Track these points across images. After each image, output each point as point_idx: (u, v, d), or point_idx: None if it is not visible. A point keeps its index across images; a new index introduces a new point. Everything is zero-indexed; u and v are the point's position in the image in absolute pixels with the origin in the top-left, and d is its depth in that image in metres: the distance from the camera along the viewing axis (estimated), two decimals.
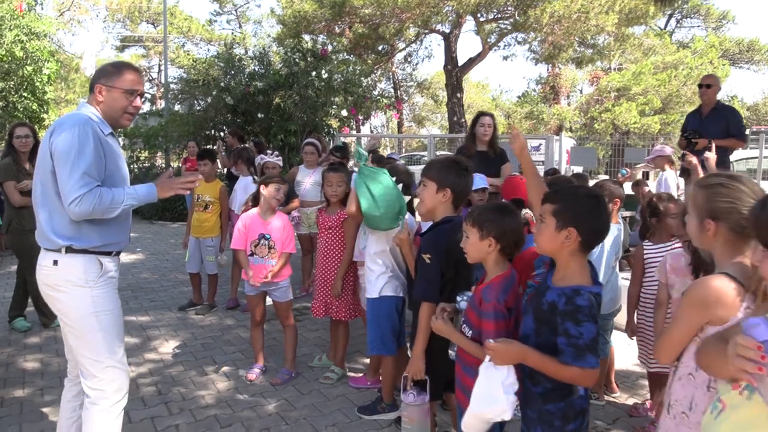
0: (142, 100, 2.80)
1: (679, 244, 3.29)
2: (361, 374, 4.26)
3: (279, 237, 4.06)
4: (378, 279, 3.50)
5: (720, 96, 6.10)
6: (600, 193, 2.12)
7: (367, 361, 4.58)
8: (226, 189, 5.88)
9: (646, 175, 8.17)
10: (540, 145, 21.48)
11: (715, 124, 5.80)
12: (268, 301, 4.28)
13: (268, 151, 6.07)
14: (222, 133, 13.30)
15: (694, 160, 3.92)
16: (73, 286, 2.58)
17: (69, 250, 2.56)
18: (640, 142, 24.99)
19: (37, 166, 2.63)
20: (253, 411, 3.74)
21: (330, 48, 12.60)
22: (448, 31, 22.28)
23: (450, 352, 2.50)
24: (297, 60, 11.48)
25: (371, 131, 25.60)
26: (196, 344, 4.96)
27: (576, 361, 1.85)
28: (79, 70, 26.16)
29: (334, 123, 12.75)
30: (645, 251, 3.51)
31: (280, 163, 5.92)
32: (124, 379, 2.74)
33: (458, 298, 2.41)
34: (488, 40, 21.39)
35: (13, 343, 4.94)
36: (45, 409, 3.73)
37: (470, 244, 2.24)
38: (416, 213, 3.67)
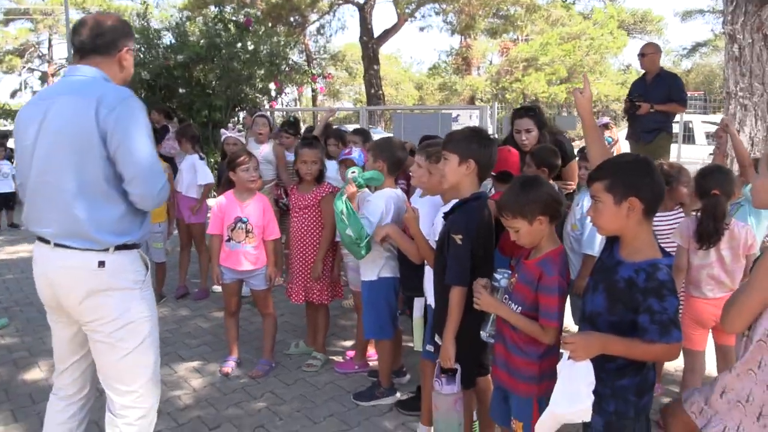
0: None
1: (682, 213, 3.32)
2: (343, 358, 4.08)
3: (258, 222, 3.75)
4: (376, 260, 3.31)
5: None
6: (646, 156, 2.04)
7: (346, 343, 4.40)
8: (171, 170, 5.42)
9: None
10: (458, 116, 21.77)
11: (657, 89, 6.00)
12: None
13: (230, 125, 5.63)
14: None
15: (724, 135, 3.86)
16: (122, 289, 2.19)
17: (120, 247, 2.18)
18: (548, 111, 25.96)
19: (63, 152, 2.08)
20: (240, 408, 3.47)
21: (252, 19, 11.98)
22: (362, 1, 21.93)
23: (482, 333, 2.37)
24: (219, 31, 10.82)
25: (283, 106, 24.94)
26: None
27: (662, 337, 1.78)
28: None
29: (257, 96, 12.21)
30: None
31: (242, 138, 5.51)
32: (159, 394, 2.42)
33: (497, 276, 2.28)
34: (405, 10, 21.27)
35: None
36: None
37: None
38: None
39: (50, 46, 31.93)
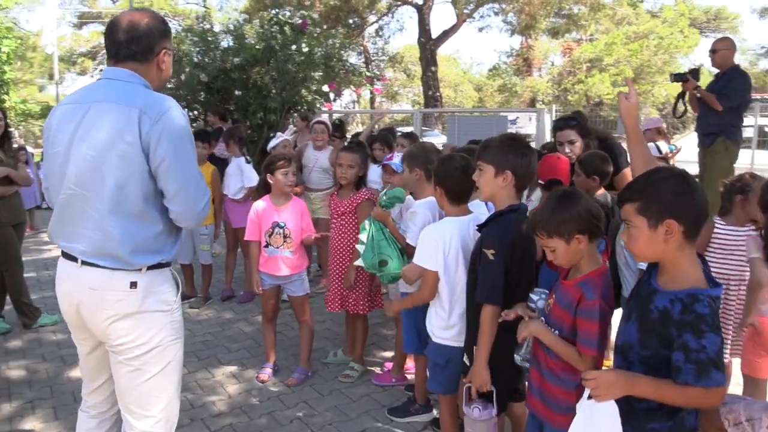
0: None
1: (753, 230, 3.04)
2: (381, 370, 3.96)
3: (296, 226, 3.69)
4: None
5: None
6: (682, 170, 1.75)
7: (386, 354, 4.29)
8: (218, 173, 5.45)
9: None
10: (516, 118, 21.29)
11: (719, 84, 5.65)
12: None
13: (289, 128, 5.62)
14: (196, 113, 12.71)
15: None
16: (151, 311, 2.06)
17: (153, 266, 2.06)
18: (612, 113, 25.09)
19: (97, 165, 1.95)
20: (272, 417, 3.41)
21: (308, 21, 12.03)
22: (421, 2, 21.80)
23: (516, 357, 2.20)
24: (275, 33, 10.91)
25: (342, 108, 25.05)
26: (196, 342, 4.58)
27: (699, 380, 1.54)
28: (37, 48, 24.83)
29: (311, 98, 12.25)
30: (716, 228, 3.23)
31: (293, 142, 5.49)
32: (177, 417, 2.28)
33: (534, 297, 2.11)
34: (463, 11, 20.99)
35: None
36: (37, 426, 3.34)
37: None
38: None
39: None
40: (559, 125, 3.85)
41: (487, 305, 2.28)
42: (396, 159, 3.52)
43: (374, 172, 4.43)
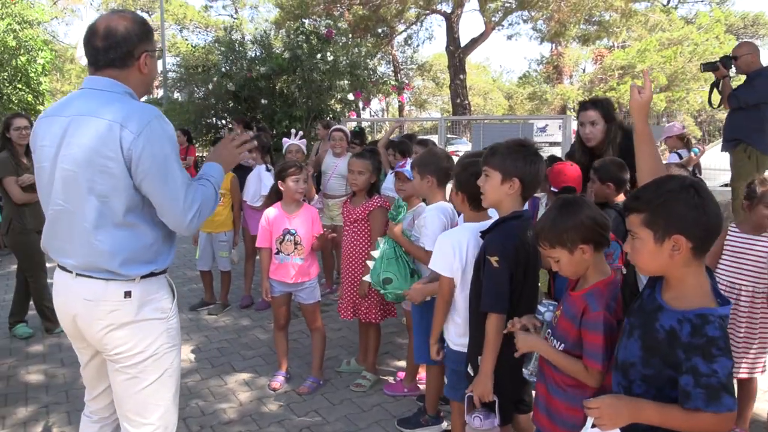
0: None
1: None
2: (394, 379, 3.90)
3: (306, 233, 3.67)
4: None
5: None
6: (697, 181, 1.64)
7: (400, 363, 4.22)
8: (237, 180, 5.48)
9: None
10: (546, 126, 21.06)
11: (744, 88, 5.39)
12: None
13: (293, 131, 5.63)
14: (224, 121, 12.88)
15: None
16: (147, 320, 2.05)
17: (144, 276, 2.04)
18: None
19: (83, 179, 1.92)
20: (281, 426, 3.38)
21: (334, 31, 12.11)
22: (449, 10, 21.77)
23: (524, 371, 2.13)
24: (301, 43, 11.01)
25: (371, 116, 25.15)
26: (211, 349, 4.59)
27: (709, 405, 1.45)
28: (74, 60, 25.56)
29: (338, 107, 12.31)
30: (729, 234, 3.10)
31: (304, 148, 5.50)
32: (175, 425, 2.26)
33: (541, 308, 2.04)
34: (492, 19, 20.88)
35: (15, 353, 4.57)
36: (53, 429, 3.37)
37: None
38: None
39: None
40: (584, 106, 3.77)
41: (493, 314, 2.21)
42: (408, 166, 3.48)
43: (390, 180, 4.40)
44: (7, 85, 11.06)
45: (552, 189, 3.35)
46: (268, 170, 5.47)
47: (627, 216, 1.65)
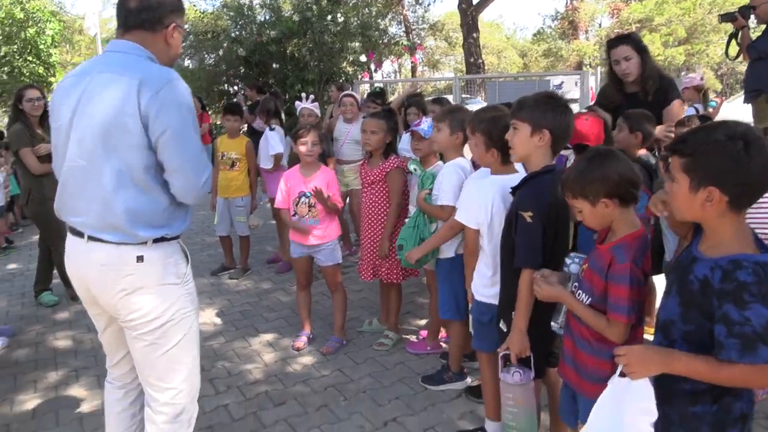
0: None
1: None
2: (416, 338, 3.92)
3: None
4: (454, 237, 3.10)
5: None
6: (751, 132, 1.49)
7: (422, 322, 4.24)
8: (252, 144, 5.45)
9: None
10: (562, 83, 20.64)
11: (763, 36, 5.15)
12: None
13: (303, 96, 5.57)
14: (235, 87, 12.80)
15: None
16: (163, 285, 2.03)
17: (158, 240, 2.01)
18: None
19: (100, 138, 1.90)
20: (307, 385, 3.42)
21: None
22: None
23: (553, 324, 2.11)
24: (310, 5, 10.82)
25: (383, 78, 24.79)
26: (234, 312, 4.64)
27: (743, 356, 1.40)
28: (82, 31, 25.41)
29: (351, 69, 12.16)
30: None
31: (317, 111, 5.44)
32: (198, 388, 2.27)
33: (567, 261, 2.01)
34: None
35: (42, 320, 4.65)
36: (81, 393, 3.45)
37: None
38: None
39: None
40: (612, 43, 3.71)
41: (526, 270, 2.19)
42: (423, 125, 3.41)
43: (406, 140, 4.33)
44: (18, 57, 11.06)
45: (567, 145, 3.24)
46: (271, 129, 5.42)
47: (670, 157, 1.59)
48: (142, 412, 2.28)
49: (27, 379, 3.65)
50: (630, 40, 3.66)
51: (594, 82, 9.26)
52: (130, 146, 1.91)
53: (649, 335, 2.24)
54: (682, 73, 29.26)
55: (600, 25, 34.66)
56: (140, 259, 1.98)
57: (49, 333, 4.37)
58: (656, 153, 3.66)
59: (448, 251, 3.17)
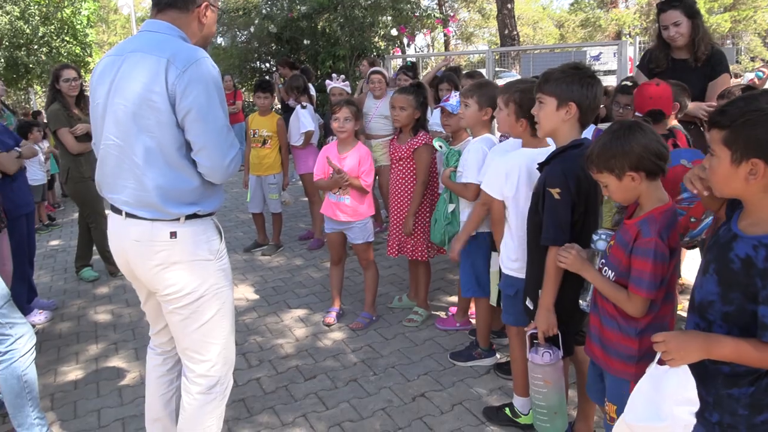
0: None
1: None
2: (446, 314, 3.92)
3: (353, 173, 3.64)
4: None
5: None
6: None
7: (451, 298, 4.24)
8: (284, 122, 5.47)
9: None
10: (600, 54, 20.05)
11: None
12: None
13: (334, 76, 5.56)
14: (268, 64, 12.82)
15: None
16: (196, 260, 2.07)
17: (192, 216, 2.06)
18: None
19: (131, 116, 1.95)
20: (337, 360, 3.47)
21: None
22: None
23: (581, 302, 2.08)
24: None
25: (416, 52, 24.43)
26: (267, 288, 4.72)
27: None
28: (117, 10, 25.77)
29: (382, 44, 12.03)
30: None
31: (347, 89, 5.42)
32: (233, 361, 2.33)
33: (594, 237, 1.97)
34: None
35: (83, 294, 4.82)
36: (120, 365, 3.57)
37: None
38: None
39: None
40: (662, 7, 3.60)
41: (553, 248, 2.16)
42: (452, 100, 3.37)
43: (437, 115, 4.29)
44: (55, 38, 11.28)
45: (636, 114, 3.14)
46: (303, 107, 5.44)
47: (710, 130, 1.52)
48: (179, 379, 2.38)
49: (69, 351, 3.80)
50: (681, 4, 3.53)
51: (633, 52, 8.97)
52: (159, 124, 1.94)
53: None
54: (728, 42, 28.13)
55: None
56: (173, 235, 2.03)
57: (90, 307, 4.53)
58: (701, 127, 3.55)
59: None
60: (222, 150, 2.01)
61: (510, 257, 2.59)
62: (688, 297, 1.68)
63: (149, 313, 2.40)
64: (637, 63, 4.29)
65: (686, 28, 3.54)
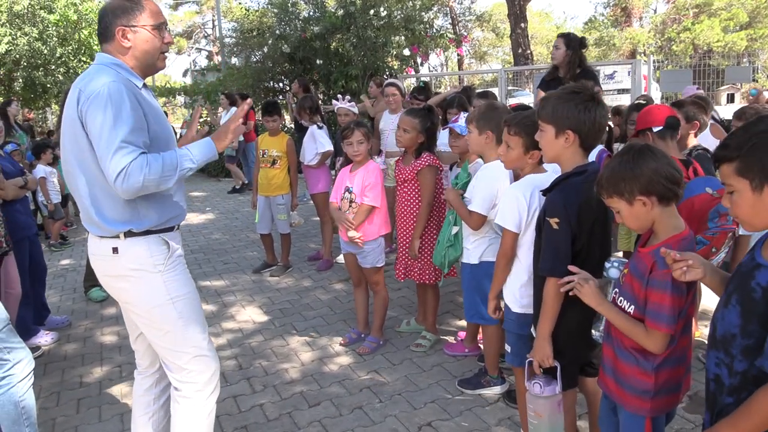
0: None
1: None
2: (455, 339, 3.84)
3: (360, 192, 3.60)
4: (478, 243, 3.01)
5: None
6: None
7: (460, 322, 4.16)
8: (293, 142, 5.45)
9: None
10: (614, 73, 19.99)
11: None
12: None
13: (339, 96, 5.56)
14: (281, 84, 12.91)
15: None
16: (141, 273, 2.17)
17: (129, 234, 2.14)
18: (723, 62, 23.04)
19: (69, 142, 2.11)
20: (343, 386, 3.39)
21: None
22: None
23: (594, 333, 2.00)
24: None
25: (429, 71, 24.53)
26: (274, 310, 4.66)
27: None
28: None
29: (395, 64, 12.06)
30: None
31: (354, 110, 5.41)
32: (216, 368, 2.36)
33: (607, 264, 1.89)
34: None
35: (90, 315, 4.79)
36: (124, 389, 3.52)
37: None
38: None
39: (214, 26, 34.55)
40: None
41: (551, 278, 2.08)
42: (461, 121, 3.32)
43: (445, 136, 4.25)
44: (72, 58, 11.45)
45: (653, 130, 3.05)
46: (319, 128, 5.45)
47: (719, 168, 1.46)
48: (159, 401, 2.52)
49: (74, 374, 3.76)
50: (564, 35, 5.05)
51: (647, 70, 8.90)
52: (81, 148, 2.08)
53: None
54: (744, 60, 27.93)
55: (655, 11, 33.42)
56: (115, 250, 2.16)
57: (97, 328, 4.49)
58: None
59: (472, 257, 3.08)
60: (110, 171, 1.96)
61: (521, 294, 2.48)
62: (706, 323, 1.59)
63: (129, 331, 2.51)
64: (652, 81, 4.53)
65: (560, 52, 4.84)
